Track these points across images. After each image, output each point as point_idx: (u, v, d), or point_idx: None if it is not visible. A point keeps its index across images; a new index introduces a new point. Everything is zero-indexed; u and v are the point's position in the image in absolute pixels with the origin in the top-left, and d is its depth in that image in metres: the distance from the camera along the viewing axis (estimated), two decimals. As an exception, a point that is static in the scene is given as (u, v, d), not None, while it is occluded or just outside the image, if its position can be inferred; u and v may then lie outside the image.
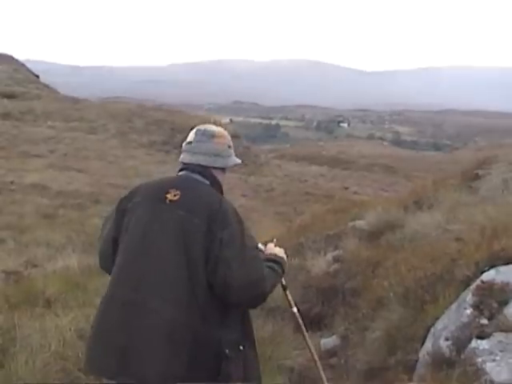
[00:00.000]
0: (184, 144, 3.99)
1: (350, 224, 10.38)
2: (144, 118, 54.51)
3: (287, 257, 4.11)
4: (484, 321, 4.69)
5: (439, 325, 5.34)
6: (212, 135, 3.94)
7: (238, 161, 4.15)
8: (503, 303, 4.78)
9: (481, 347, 4.43)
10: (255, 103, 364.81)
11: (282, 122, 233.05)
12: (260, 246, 3.98)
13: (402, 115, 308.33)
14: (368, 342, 6.52)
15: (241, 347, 3.63)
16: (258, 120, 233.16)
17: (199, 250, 3.50)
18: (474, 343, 4.50)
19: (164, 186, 3.79)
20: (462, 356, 4.55)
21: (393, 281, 6.85)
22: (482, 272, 5.40)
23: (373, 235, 9.07)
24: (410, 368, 5.64)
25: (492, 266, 5.41)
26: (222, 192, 3.93)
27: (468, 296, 5.04)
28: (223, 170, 4.04)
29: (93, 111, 55.78)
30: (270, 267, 3.76)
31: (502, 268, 5.31)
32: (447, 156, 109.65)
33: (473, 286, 5.12)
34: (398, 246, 8.10)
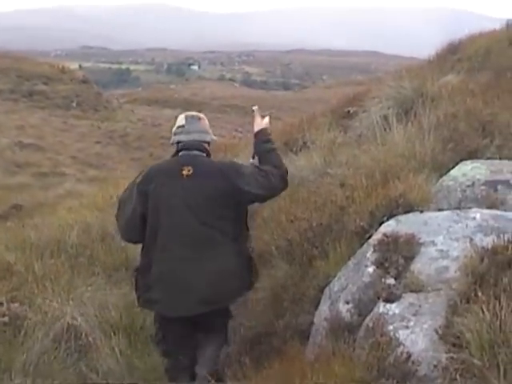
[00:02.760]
0: (175, 128, 5.19)
1: (218, 170, 9.64)
2: (-13, 66, 51.29)
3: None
4: (390, 280, 4.07)
5: (335, 285, 4.72)
6: (199, 118, 5.22)
7: (215, 137, 5.39)
8: (410, 259, 4.19)
9: (390, 312, 3.82)
10: (104, 48, 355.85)
11: (132, 67, 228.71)
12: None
13: (251, 56, 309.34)
14: (251, 304, 5.86)
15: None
16: (108, 65, 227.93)
17: (225, 201, 4.80)
18: (382, 308, 3.88)
19: (176, 165, 4.95)
20: (369, 323, 3.93)
21: (274, 233, 6.19)
22: (381, 223, 4.80)
23: (244, 182, 8.39)
24: (302, 333, 5.05)
25: (391, 216, 4.82)
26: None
27: (369, 252, 4.41)
28: (208, 143, 5.22)
29: None
30: (269, 150, 5.20)
31: (403, 217, 4.71)
32: (297, 94, 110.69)
33: (373, 240, 4.48)
34: (272, 192, 7.43)
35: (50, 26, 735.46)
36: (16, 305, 6.21)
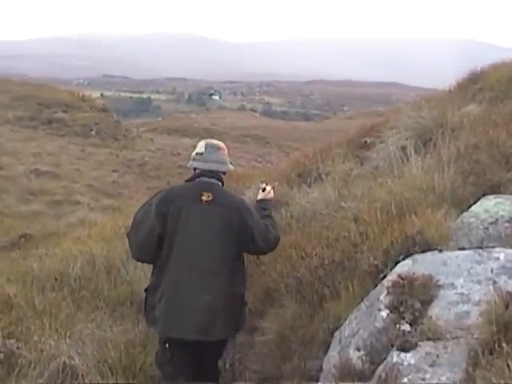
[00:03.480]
0: (194, 154, 5.37)
1: (229, 201, 9.27)
2: (8, 93, 51.14)
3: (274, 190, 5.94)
4: (406, 326, 3.70)
5: (346, 329, 4.35)
6: (218, 148, 5.39)
7: (232, 167, 5.57)
8: (427, 303, 3.82)
9: (405, 363, 3.45)
10: (125, 77, 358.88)
11: (154, 96, 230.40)
12: None
13: (272, 86, 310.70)
14: (257, 346, 5.48)
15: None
16: (129, 94, 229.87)
17: (233, 235, 5.05)
18: (396, 357, 3.51)
19: (196, 190, 5.15)
20: (382, 373, 3.56)
21: (283, 270, 5.82)
22: (397, 262, 4.42)
23: (255, 215, 8.00)
24: (310, 378, 4.69)
25: (407, 254, 4.44)
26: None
27: (382, 294, 4.04)
28: (224, 173, 5.44)
29: (-50, 89, 52.28)
30: (266, 216, 5.47)
31: (420, 257, 4.34)
32: (318, 125, 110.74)
33: (387, 281, 4.11)
34: (284, 226, 7.04)
35: (73, 54, 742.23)
36: (12, 341, 5.89)
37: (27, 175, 26.52)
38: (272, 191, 5.80)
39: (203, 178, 5.26)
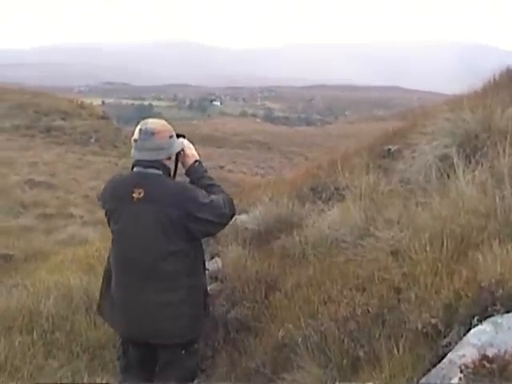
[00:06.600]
0: (132, 141, 4.63)
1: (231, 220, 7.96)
2: (6, 101, 50.32)
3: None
4: None
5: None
6: (153, 132, 4.52)
7: (179, 148, 4.81)
8: (526, 396, 2.52)
9: None
10: (126, 83, 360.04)
11: (155, 103, 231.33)
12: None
13: (273, 92, 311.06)
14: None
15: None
16: (130, 101, 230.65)
17: (175, 229, 4.44)
18: None
19: (128, 187, 4.51)
20: None
21: (300, 318, 4.49)
22: (470, 327, 3.08)
23: (262, 238, 6.64)
24: None
25: (482, 314, 3.11)
26: (169, 174, 4.72)
27: (454, 377, 2.72)
28: (169, 158, 4.69)
29: None
30: (208, 185, 4.80)
31: (504, 319, 2.96)
32: (319, 130, 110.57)
33: (459, 357, 2.78)
34: (298, 254, 5.74)
35: (73, 62, 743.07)
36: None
37: (21, 186, 25.41)
38: (193, 148, 5.04)
39: (138, 169, 4.56)
